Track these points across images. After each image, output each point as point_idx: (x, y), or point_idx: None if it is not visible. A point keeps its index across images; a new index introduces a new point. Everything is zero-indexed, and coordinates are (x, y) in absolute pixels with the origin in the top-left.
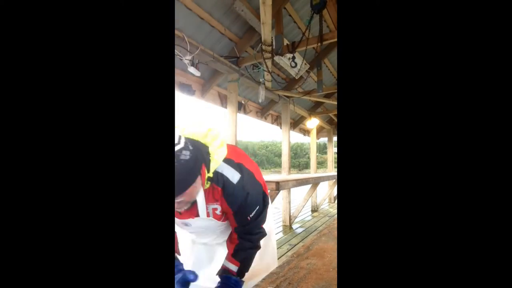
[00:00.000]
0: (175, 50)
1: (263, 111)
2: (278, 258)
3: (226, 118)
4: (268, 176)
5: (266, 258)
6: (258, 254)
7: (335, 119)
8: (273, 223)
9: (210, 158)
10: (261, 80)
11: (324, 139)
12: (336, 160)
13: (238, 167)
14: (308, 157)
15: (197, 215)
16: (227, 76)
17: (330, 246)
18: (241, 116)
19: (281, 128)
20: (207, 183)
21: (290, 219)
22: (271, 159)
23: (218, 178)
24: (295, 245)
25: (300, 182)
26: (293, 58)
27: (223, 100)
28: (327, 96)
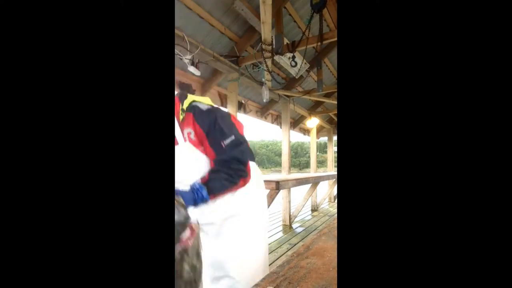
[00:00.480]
0: (175, 50)
1: (263, 111)
2: (278, 258)
3: None
4: (268, 175)
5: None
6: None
7: (335, 119)
8: (267, 224)
9: (187, 96)
10: (263, 79)
11: (325, 138)
12: (336, 159)
13: (212, 107)
14: (309, 156)
15: (177, 144)
16: (227, 75)
17: (330, 246)
18: (241, 115)
19: (281, 128)
20: (181, 114)
21: (290, 219)
22: (271, 158)
23: (191, 107)
24: (295, 245)
25: (300, 182)
26: (293, 57)
27: (223, 100)
28: (327, 95)
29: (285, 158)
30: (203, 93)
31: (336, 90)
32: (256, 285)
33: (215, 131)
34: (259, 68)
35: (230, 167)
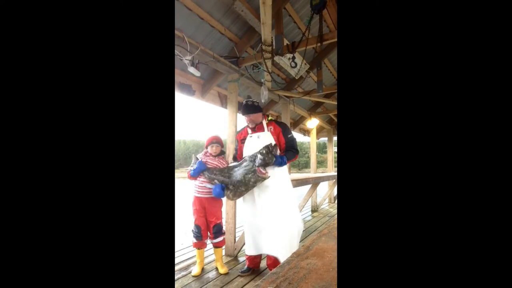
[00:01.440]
0: (175, 50)
1: (263, 111)
2: None
3: (226, 118)
4: None
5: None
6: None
7: (335, 119)
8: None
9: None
10: (262, 80)
11: (324, 139)
12: (336, 160)
13: (282, 122)
14: (308, 156)
15: (263, 130)
16: (227, 76)
17: (330, 246)
18: (241, 116)
19: None
20: (266, 120)
21: None
22: None
23: (271, 119)
24: None
25: (300, 182)
26: (293, 58)
27: (223, 100)
28: (327, 96)
29: None
30: (203, 94)
31: (336, 90)
32: (257, 285)
33: (286, 132)
34: (259, 69)
35: (291, 149)
